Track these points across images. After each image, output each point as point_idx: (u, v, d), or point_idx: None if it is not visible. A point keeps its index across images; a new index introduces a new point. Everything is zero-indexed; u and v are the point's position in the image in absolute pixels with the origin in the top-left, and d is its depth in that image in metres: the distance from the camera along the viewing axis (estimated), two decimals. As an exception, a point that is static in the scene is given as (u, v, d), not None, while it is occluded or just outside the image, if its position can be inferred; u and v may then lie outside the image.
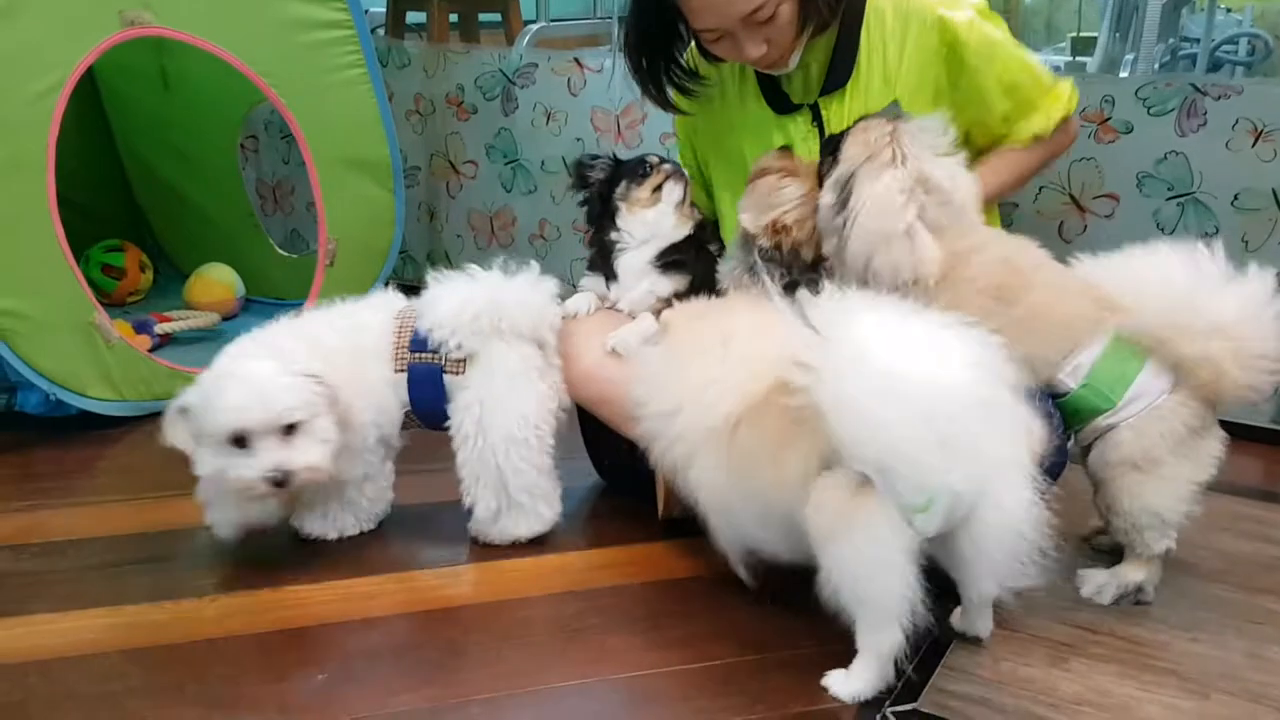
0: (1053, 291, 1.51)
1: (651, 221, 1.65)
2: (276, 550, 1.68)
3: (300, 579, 1.59)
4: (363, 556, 1.66)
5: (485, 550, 1.68)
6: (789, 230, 1.57)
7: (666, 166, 1.70)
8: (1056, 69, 3.14)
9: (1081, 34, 4.58)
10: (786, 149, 1.65)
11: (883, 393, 1.18)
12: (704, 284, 1.67)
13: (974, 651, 1.42)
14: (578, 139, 2.69)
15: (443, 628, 1.48)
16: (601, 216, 1.70)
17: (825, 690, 1.32)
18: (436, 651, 1.42)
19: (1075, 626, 1.47)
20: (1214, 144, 2.02)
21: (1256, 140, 1.99)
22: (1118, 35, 4.17)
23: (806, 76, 1.69)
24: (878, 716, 1.29)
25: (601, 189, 1.71)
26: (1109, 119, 2.08)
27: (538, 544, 1.69)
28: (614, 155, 1.78)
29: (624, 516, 1.79)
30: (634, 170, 1.70)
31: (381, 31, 3.20)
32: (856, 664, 1.32)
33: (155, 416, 2.14)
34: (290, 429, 1.48)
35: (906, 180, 1.48)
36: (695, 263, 1.66)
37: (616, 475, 1.89)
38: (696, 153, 1.84)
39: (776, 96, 1.71)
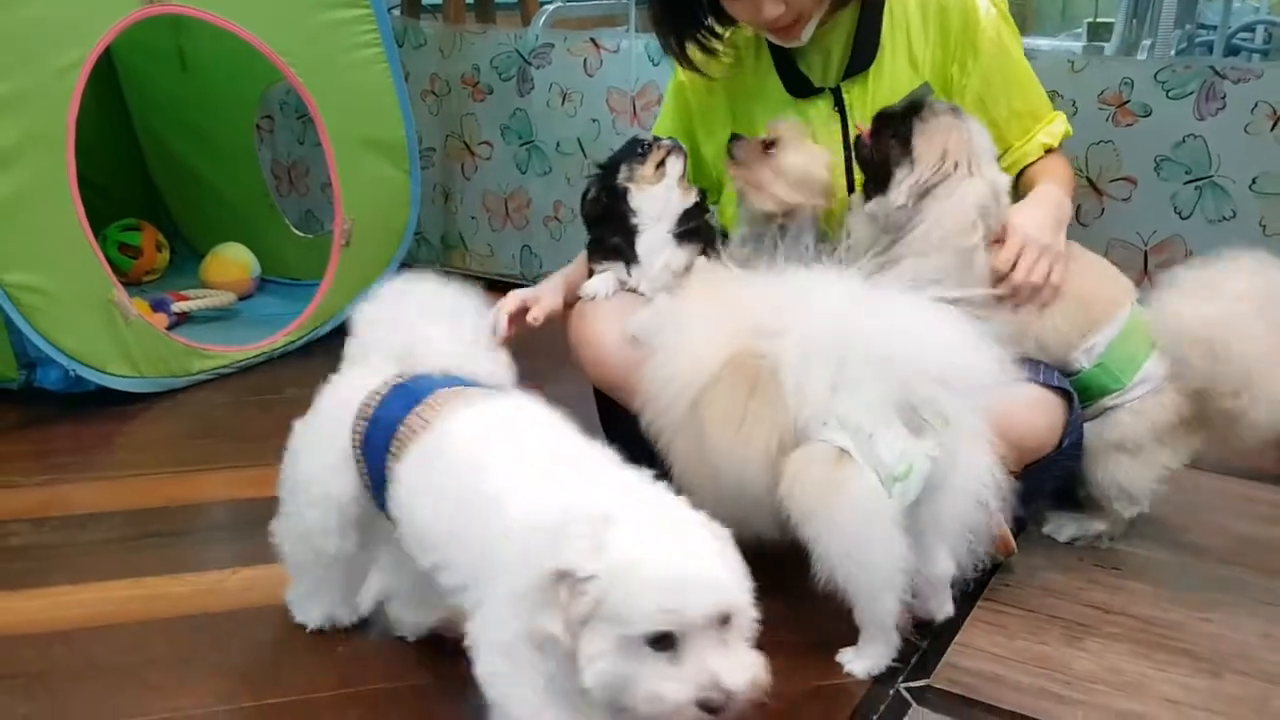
0: (1080, 271, 1.52)
1: (661, 196, 1.64)
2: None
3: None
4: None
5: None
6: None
7: (666, 142, 1.68)
8: (1074, 54, 3.14)
9: (1098, 19, 4.54)
10: (736, 136, 1.64)
11: (854, 350, 1.20)
12: (709, 252, 1.67)
13: (989, 629, 1.43)
14: (593, 120, 2.69)
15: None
16: (610, 206, 1.69)
17: (840, 667, 1.33)
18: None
19: (1090, 606, 1.48)
20: (1233, 127, 2.01)
21: (1276, 124, 1.98)
22: (1134, 21, 4.15)
23: (827, 60, 1.67)
24: (891, 692, 1.30)
25: (603, 182, 1.68)
26: (1127, 102, 2.07)
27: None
28: (598, 164, 1.74)
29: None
30: (631, 152, 1.67)
31: (398, 11, 3.20)
32: (863, 639, 1.32)
33: (173, 393, 2.19)
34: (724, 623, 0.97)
35: (984, 195, 1.47)
36: (705, 230, 1.66)
37: (634, 458, 1.89)
38: (694, 131, 1.81)
39: (795, 79, 1.70)
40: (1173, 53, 3.91)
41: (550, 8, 2.96)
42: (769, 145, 1.60)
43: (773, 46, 1.69)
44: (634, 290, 1.63)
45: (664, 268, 1.59)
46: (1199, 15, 4.49)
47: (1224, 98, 2.01)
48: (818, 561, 1.25)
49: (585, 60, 2.66)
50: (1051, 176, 1.63)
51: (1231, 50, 4.33)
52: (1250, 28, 4.32)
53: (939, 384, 1.22)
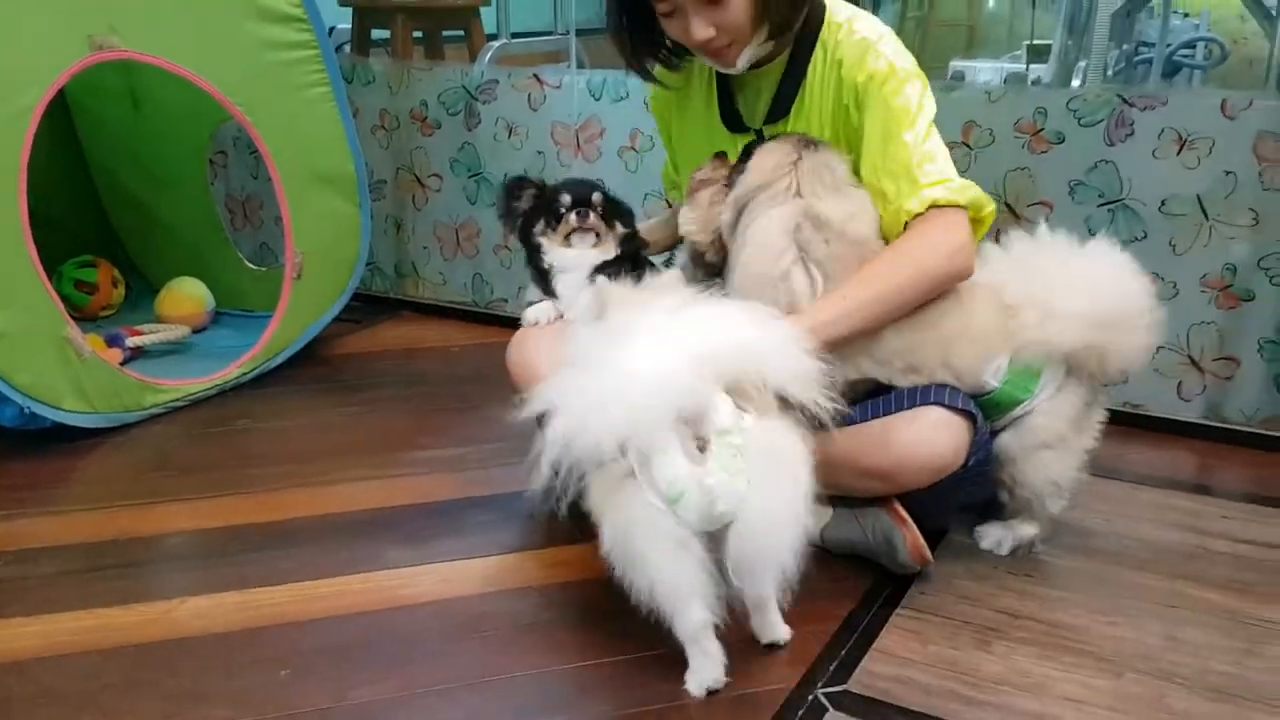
0: (968, 310, 1.61)
1: (573, 256, 1.71)
2: (242, 555, 1.75)
3: (265, 582, 1.66)
4: (325, 560, 1.73)
5: (443, 551, 1.75)
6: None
7: (572, 219, 1.71)
8: (991, 86, 3.25)
9: (1034, 41, 4.67)
10: (721, 155, 1.71)
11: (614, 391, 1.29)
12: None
13: (905, 635, 1.50)
14: (539, 152, 2.77)
15: (401, 625, 1.55)
16: (528, 244, 1.75)
17: (764, 674, 1.40)
18: (394, 646, 1.49)
19: (1001, 612, 1.56)
20: (1141, 153, 2.12)
21: (1181, 149, 2.09)
22: (1070, 43, 4.27)
23: (756, 101, 1.73)
24: (810, 697, 1.37)
25: (526, 217, 1.76)
26: (1041, 130, 2.17)
27: (496, 545, 1.77)
28: (541, 183, 1.80)
29: (580, 516, 1.87)
30: (551, 208, 1.74)
31: (348, 49, 3.27)
32: (689, 656, 1.37)
33: (126, 428, 2.24)
34: None
35: (794, 218, 1.55)
36: (630, 271, 1.72)
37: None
38: (671, 132, 1.88)
39: (731, 114, 1.76)
40: (1111, 73, 4.05)
41: (495, 45, 3.05)
42: (731, 183, 1.67)
43: (719, 80, 1.75)
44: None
45: (585, 306, 1.66)
46: (1140, 34, 4.64)
47: (1132, 124, 2.11)
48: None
49: (529, 95, 2.74)
50: (887, 253, 1.58)
51: (1174, 67, 4.47)
52: (1191, 44, 4.44)
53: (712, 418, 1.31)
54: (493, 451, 2.13)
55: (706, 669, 1.36)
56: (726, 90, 1.75)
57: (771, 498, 1.33)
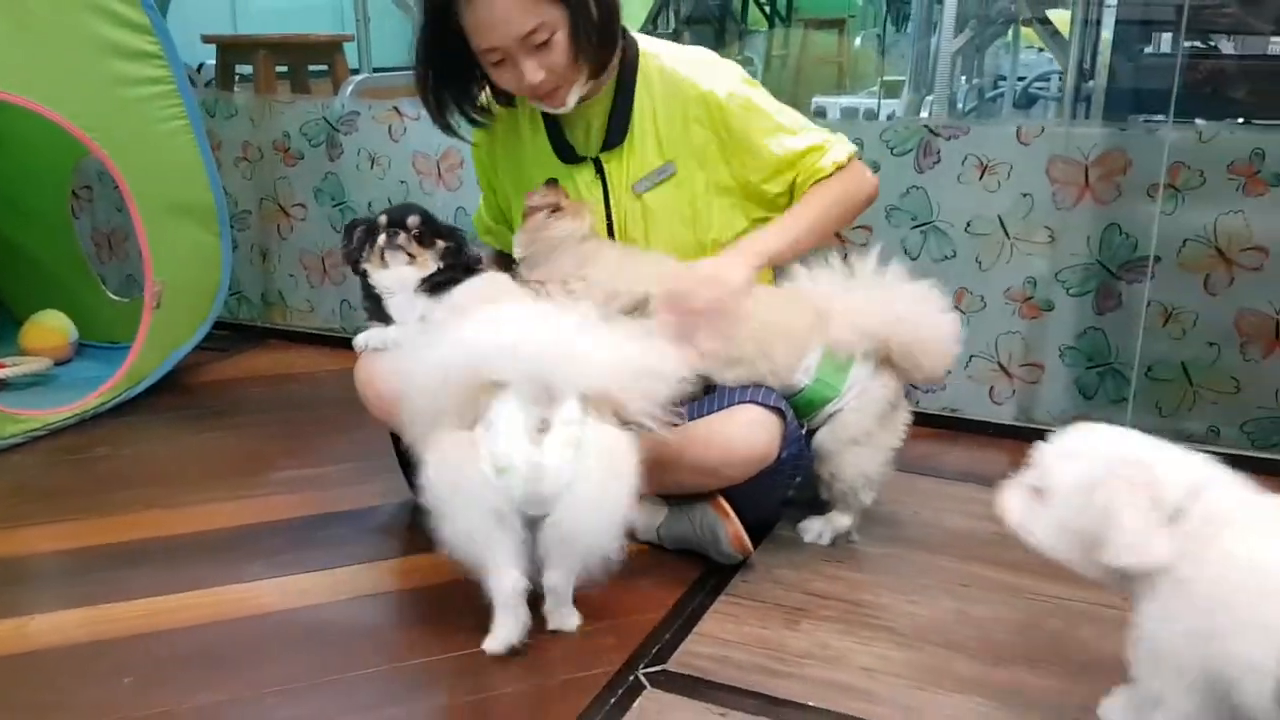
0: (785, 310, 1.77)
1: (393, 275, 1.79)
2: (95, 574, 1.80)
3: (113, 598, 1.71)
4: (177, 577, 1.78)
5: (295, 564, 1.82)
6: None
7: (381, 239, 1.79)
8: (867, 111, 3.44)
9: (884, 77, 4.94)
10: (553, 182, 1.85)
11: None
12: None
13: (723, 619, 1.63)
14: (402, 181, 2.87)
15: (247, 633, 1.62)
16: (357, 273, 1.83)
17: (592, 658, 1.52)
18: (238, 653, 1.56)
19: (810, 594, 1.71)
20: (948, 178, 2.32)
21: (983, 174, 2.30)
22: (917, 79, 4.54)
23: (588, 132, 1.86)
24: (631, 678, 1.49)
25: (356, 250, 1.83)
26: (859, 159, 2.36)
27: (349, 557, 1.85)
28: (372, 219, 1.85)
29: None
30: (367, 234, 1.82)
31: (213, 84, 3.32)
32: (496, 617, 1.50)
33: (-17, 455, 2.26)
34: None
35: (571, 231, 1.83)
36: (458, 275, 1.80)
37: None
38: (491, 178, 2.02)
39: (563, 146, 1.89)
40: (963, 106, 4.32)
41: (357, 78, 3.14)
42: (555, 209, 1.82)
43: (545, 116, 1.88)
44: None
45: (421, 320, 1.76)
46: (997, 68, 4.93)
47: (939, 153, 2.32)
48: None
49: (390, 127, 2.84)
50: (799, 204, 1.83)
51: (1029, 99, 4.77)
52: (1045, 77, 4.75)
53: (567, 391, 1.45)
54: (353, 470, 2.20)
55: (505, 629, 1.49)
56: (555, 125, 1.88)
57: (595, 497, 1.45)
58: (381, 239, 1.79)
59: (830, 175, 1.82)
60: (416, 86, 1.82)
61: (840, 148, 1.84)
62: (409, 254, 1.78)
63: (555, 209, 1.80)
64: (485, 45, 1.68)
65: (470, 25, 1.67)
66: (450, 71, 1.79)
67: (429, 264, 1.79)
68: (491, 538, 1.43)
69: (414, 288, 1.77)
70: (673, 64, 1.83)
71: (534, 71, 1.68)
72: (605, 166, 1.87)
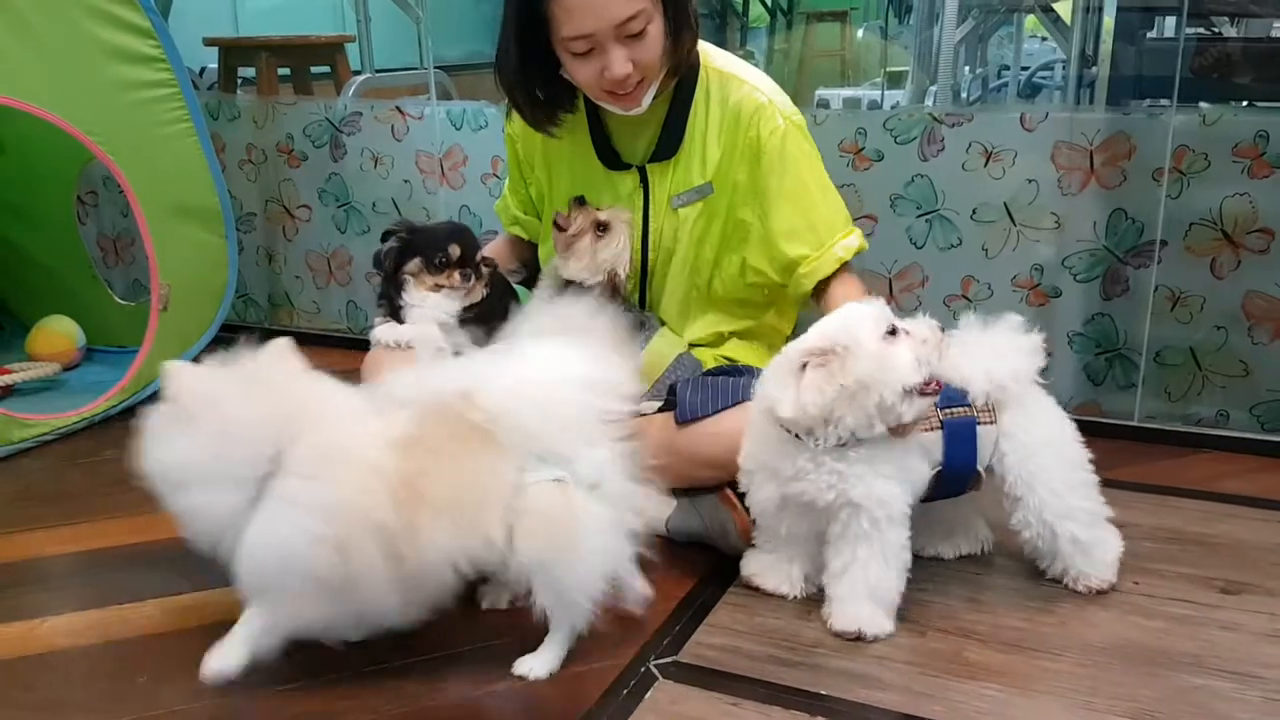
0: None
1: (435, 303, 1.76)
2: (106, 575, 1.80)
3: (123, 599, 1.71)
4: (185, 576, 1.76)
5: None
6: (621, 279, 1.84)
7: (456, 277, 1.76)
8: (871, 102, 3.43)
9: (888, 69, 4.94)
10: (580, 200, 1.83)
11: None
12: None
13: (734, 610, 1.63)
14: (405, 181, 2.87)
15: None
16: (390, 281, 1.79)
17: (602, 651, 1.51)
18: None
19: (820, 584, 1.70)
20: (952, 166, 2.31)
21: (988, 161, 2.29)
22: (921, 69, 4.53)
23: (636, 141, 1.84)
24: (643, 669, 1.49)
25: (396, 258, 1.78)
26: (862, 149, 2.36)
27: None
28: (411, 225, 1.83)
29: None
30: (431, 254, 1.76)
31: (215, 87, 3.33)
32: (549, 643, 1.46)
33: (-4, 460, 2.27)
34: None
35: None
36: (488, 313, 1.78)
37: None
38: (525, 170, 1.98)
39: (608, 153, 1.86)
40: (968, 96, 4.31)
41: (359, 79, 3.14)
42: (601, 226, 1.80)
43: (591, 120, 1.84)
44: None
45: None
46: (1001, 57, 4.92)
47: (943, 140, 2.31)
48: (537, 587, 1.38)
49: (393, 126, 2.85)
50: (846, 296, 1.75)
51: (1034, 88, 4.76)
52: (1049, 66, 4.73)
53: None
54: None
55: (560, 654, 1.47)
56: (600, 130, 1.85)
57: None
58: (456, 277, 1.76)
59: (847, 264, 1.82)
60: (499, 80, 1.76)
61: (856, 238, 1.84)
62: (464, 294, 1.77)
63: (600, 227, 1.79)
64: (577, 32, 1.60)
65: (563, 9, 1.59)
66: (535, 75, 1.75)
67: (471, 295, 1.78)
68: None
69: (454, 315, 1.76)
70: (739, 95, 1.78)
71: (623, 63, 1.63)
72: (650, 178, 1.85)
